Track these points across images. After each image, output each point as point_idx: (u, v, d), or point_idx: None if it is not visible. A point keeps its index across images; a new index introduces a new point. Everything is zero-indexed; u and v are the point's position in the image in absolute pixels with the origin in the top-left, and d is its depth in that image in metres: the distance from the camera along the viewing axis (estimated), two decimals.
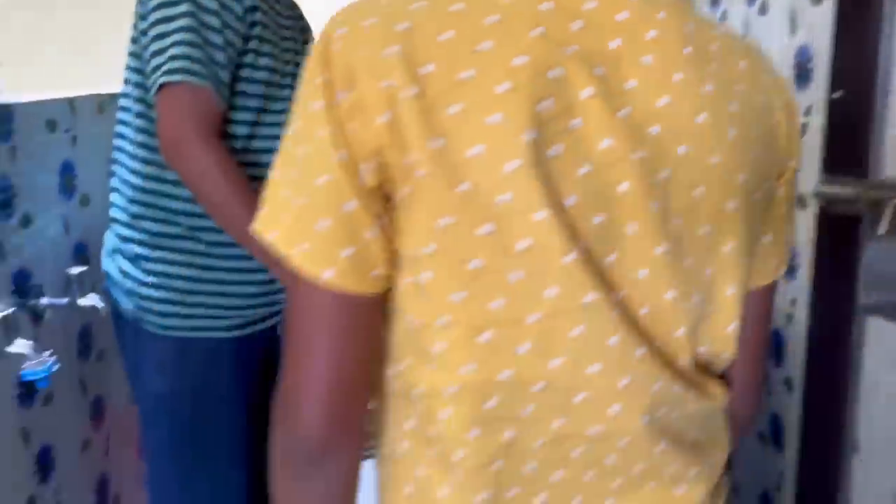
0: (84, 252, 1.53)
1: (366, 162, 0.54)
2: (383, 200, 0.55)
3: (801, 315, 1.35)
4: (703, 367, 0.64)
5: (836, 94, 0.76)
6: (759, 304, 0.69)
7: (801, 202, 1.37)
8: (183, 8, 1.15)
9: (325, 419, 0.57)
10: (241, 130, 1.25)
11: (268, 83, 1.27)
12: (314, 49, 0.56)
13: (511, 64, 0.53)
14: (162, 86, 1.14)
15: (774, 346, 1.51)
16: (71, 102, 1.50)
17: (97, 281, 1.44)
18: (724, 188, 0.59)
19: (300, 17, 1.43)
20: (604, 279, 0.57)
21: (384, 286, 0.57)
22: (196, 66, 1.14)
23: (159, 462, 1.35)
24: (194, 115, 1.14)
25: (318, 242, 0.54)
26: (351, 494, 0.62)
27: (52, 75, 1.69)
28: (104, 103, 1.64)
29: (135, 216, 1.26)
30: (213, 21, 1.16)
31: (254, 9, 1.22)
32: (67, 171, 1.48)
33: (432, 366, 0.58)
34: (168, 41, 1.14)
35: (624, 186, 0.56)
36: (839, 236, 0.76)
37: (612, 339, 0.58)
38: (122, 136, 1.29)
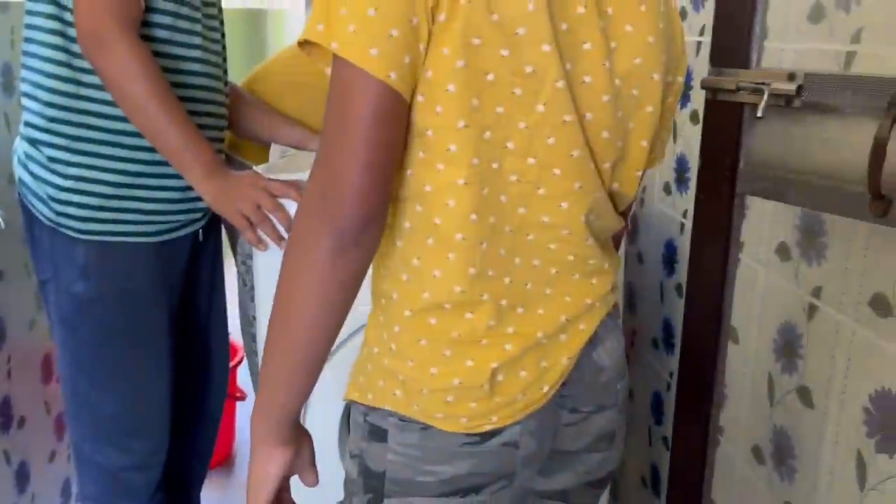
0: None
1: None
2: (431, 22, 0.66)
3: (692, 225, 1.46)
4: (613, 200, 0.84)
5: None
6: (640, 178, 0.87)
7: (695, 118, 1.46)
8: None
9: (369, 196, 0.68)
10: (160, 34, 1.23)
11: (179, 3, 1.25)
12: None
13: None
14: None
15: (667, 255, 1.62)
16: None
17: None
18: (653, 62, 0.76)
19: None
20: (576, 109, 0.73)
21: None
22: None
23: (80, 366, 1.34)
24: (115, 8, 1.12)
25: (388, 48, 0.65)
26: (365, 273, 0.73)
27: None
28: None
29: (51, 119, 1.23)
30: None
31: None
32: None
33: (440, 165, 0.72)
34: None
35: (588, 45, 0.72)
36: (723, 123, 0.84)
37: (574, 152, 0.74)
38: (31, 40, 1.24)
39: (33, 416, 1.73)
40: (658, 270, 1.68)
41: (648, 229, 1.73)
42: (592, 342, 0.83)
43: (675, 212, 1.55)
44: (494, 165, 0.72)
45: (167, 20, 1.24)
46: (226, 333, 1.64)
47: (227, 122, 1.44)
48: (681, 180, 1.52)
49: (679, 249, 1.56)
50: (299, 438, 0.82)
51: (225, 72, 1.43)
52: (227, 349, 1.66)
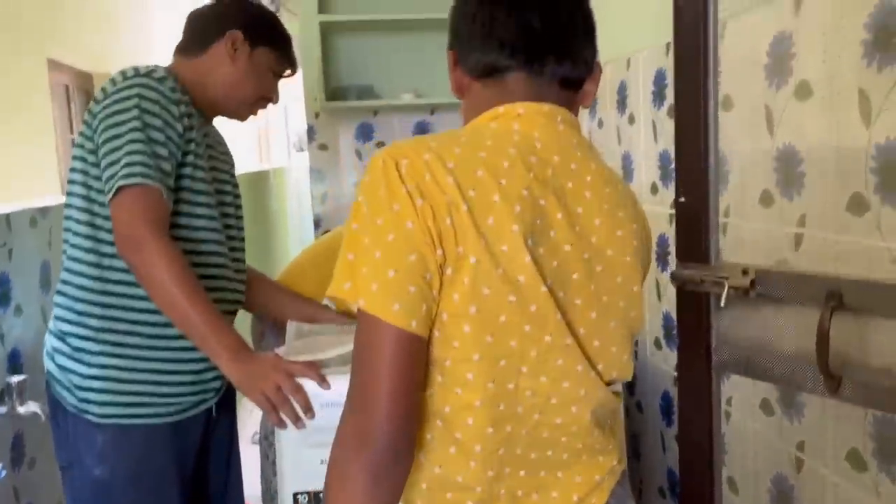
0: (18, 360, 1.58)
1: (437, 247, 0.77)
2: (440, 275, 0.78)
3: None
4: (611, 384, 0.92)
5: (681, 199, 0.98)
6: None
7: None
8: (132, 123, 1.30)
9: (400, 430, 0.78)
10: (181, 232, 1.38)
11: (197, 192, 1.41)
12: (380, 171, 0.79)
13: (520, 194, 0.81)
14: (119, 189, 1.26)
15: (664, 406, 1.71)
16: (7, 218, 1.58)
17: (31, 389, 1.49)
18: (632, 277, 0.89)
19: (226, 150, 1.60)
20: (571, 331, 0.84)
21: None
22: (149, 171, 1.28)
23: None
24: (150, 214, 1.28)
25: (408, 302, 0.77)
26: (401, 495, 0.82)
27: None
28: (35, 217, 1.72)
29: (80, 313, 1.36)
30: (159, 136, 1.32)
31: (190, 128, 1.38)
32: (3, 283, 1.55)
33: (458, 389, 0.81)
34: (121, 151, 1.28)
35: (575, 276, 0.84)
36: (693, 310, 0.97)
37: (578, 367, 0.85)
38: (67, 241, 1.39)
39: None
40: (657, 420, 1.76)
41: (644, 381, 1.82)
42: None
43: (667, 366, 1.66)
44: (510, 386, 0.82)
45: (184, 220, 1.39)
46: None
47: (243, 296, 1.57)
48: (668, 336, 1.64)
49: (674, 400, 1.65)
50: None
51: (241, 248, 1.57)
52: None
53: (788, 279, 0.89)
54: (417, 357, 0.79)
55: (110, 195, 1.28)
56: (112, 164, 1.29)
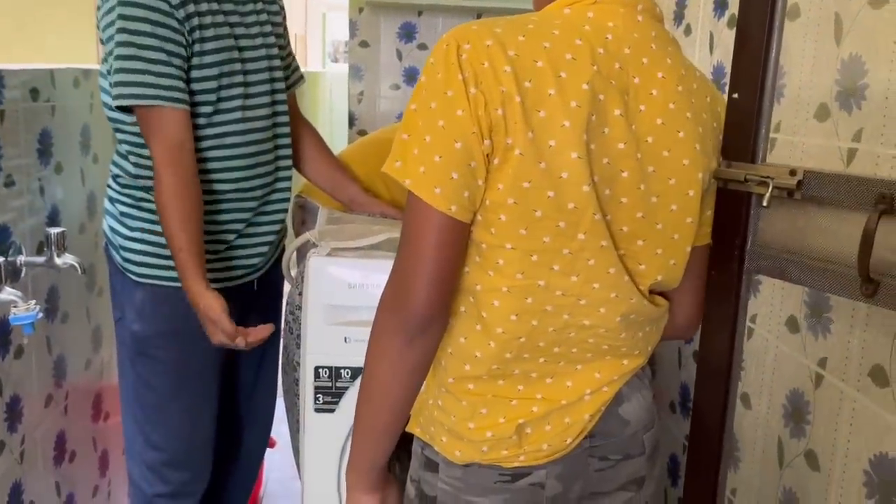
0: (56, 216, 1.62)
1: (486, 137, 0.78)
2: (487, 164, 0.78)
3: None
4: (657, 288, 0.93)
5: (734, 96, 0.95)
6: (703, 255, 0.96)
7: None
8: (118, 38, 1.29)
9: (432, 300, 0.82)
10: (202, 123, 1.40)
11: (218, 77, 1.39)
12: (442, 54, 0.78)
13: (579, 88, 0.78)
14: (123, 107, 1.32)
15: None
16: (51, 74, 1.59)
17: (70, 243, 1.53)
18: (688, 181, 0.87)
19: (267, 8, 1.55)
20: (610, 231, 0.84)
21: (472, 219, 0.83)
22: (137, 90, 1.28)
23: (136, 397, 1.49)
24: (158, 137, 1.31)
25: (449, 187, 0.78)
26: (433, 357, 0.88)
27: (35, 49, 1.77)
28: (79, 78, 1.73)
29: (124, 185, 1.45)
30: (149, 41, 1.29)
31: (193, 15, 1.34)
32: (46, 139, 1.57)
33: (490, 273, 0.84)
34: (113, 67, 1.30)
35: (625, 174, 0.83)
36: (732, 211, 0.96)
37: (611, 269, 0.86)
38: (110, 120, 1.43)
39: (82, 452, 1.84)
40: None
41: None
42: (618, 400, 0.93)
43: None
44: (541, 283, 0.84)
45: (202, 121, 1.40)
46: (275, 381, 1.75)
47: (289, 170, 1.59)
48: None
49: None
50: (385, 486, 0.97)
51: (280, 124, 1.56)
52: (273, 396, 1.77)
53: (838, 181, 0.87)
54: (455, 239, 0.81)
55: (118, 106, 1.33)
56: (112, 82, 1.31)
